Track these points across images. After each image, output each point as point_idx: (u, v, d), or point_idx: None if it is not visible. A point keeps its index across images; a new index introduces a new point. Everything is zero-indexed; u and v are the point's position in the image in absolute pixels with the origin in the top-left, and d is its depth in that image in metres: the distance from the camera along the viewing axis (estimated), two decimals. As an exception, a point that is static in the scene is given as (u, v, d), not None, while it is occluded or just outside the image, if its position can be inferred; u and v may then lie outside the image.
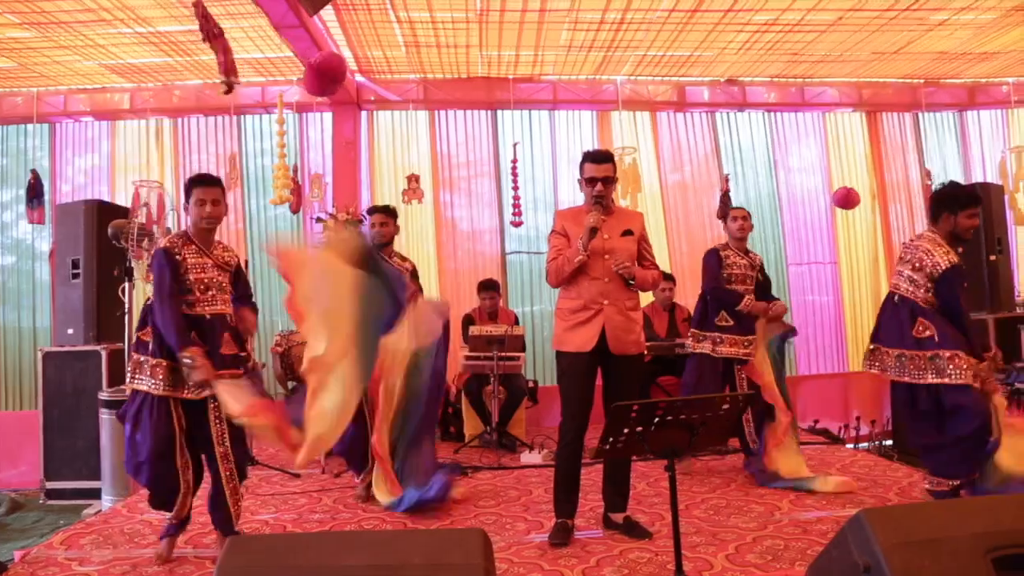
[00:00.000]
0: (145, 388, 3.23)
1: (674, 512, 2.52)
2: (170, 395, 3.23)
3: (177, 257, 3.27)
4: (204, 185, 3.35)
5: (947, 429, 3.59)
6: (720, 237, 7.79)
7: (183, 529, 3.52)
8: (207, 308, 3.31)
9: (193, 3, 4.22)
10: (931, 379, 3.56)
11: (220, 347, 3.26)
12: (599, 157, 3.58)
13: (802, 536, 3.42)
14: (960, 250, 3.74)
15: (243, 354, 3.39)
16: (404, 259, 4.71)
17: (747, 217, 4.85)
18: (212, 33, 4.24)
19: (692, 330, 4.90)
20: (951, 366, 3.51)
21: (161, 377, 3.21)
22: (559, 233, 3.59)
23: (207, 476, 3.45)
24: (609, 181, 3.53)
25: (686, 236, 7.71)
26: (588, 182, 3.53)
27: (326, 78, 5.13)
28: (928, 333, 3.61)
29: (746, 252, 4.86)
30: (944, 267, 3.60)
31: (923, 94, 7.96)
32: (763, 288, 4.86)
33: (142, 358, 3.28)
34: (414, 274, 4.62)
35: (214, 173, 6.56)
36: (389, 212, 4.64)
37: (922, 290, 3.68)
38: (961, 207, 3.66)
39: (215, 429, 3.28)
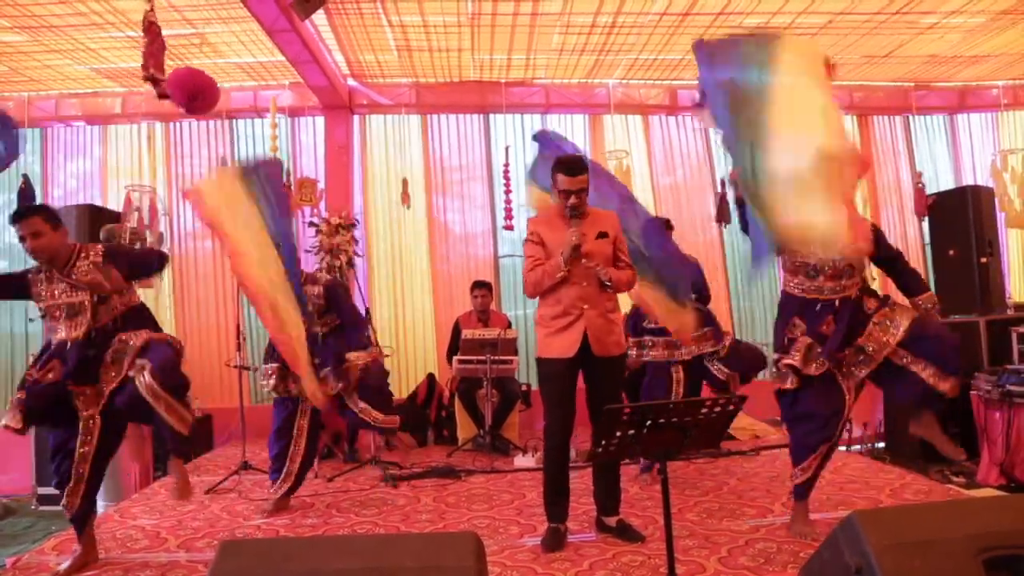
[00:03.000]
0: None
1: (667, 515, 2.52)
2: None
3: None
4: (15, 220, 3.34)
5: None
6: (713, 241, 7.89)
7: (87, 524, 3.45)
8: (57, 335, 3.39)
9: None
10: None
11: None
12: (573, 169, 3.45)
13: (794, 539, 3.43)
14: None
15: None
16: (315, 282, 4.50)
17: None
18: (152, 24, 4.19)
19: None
20: None
21: None
22: (534, 242, 3.54)
23: None
24: (583, 192, 3.46)
25: (678, 239, 7.65)
26: (562, 194, 3.46)
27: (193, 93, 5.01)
28: None
29: None
30: None
31: (914, 97, 8.01)
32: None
33: None
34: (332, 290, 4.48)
35: (205, 177, 6.47)
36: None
37: None
38: None
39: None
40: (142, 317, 3.53)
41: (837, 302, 3.45)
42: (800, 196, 2.91)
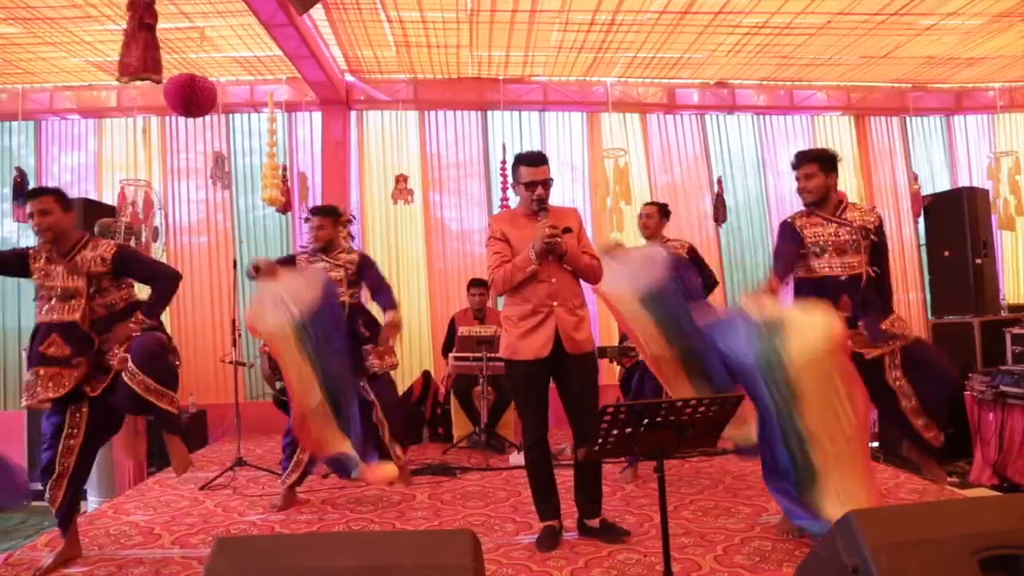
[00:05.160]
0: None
1: (663, 513, 2.52)
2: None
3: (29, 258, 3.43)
4: (30, 198, 3.41)
5: None
6: (710, 239, 7.90)
7: (67, 526, 3.42)
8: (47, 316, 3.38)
9: None
10: None
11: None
12: (535, 160, 3.47)
13: (790, 538, 3.43)
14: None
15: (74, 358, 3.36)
16: (350, 251, 4.66)
17: (650, 215, 4.90)
18: (142, 20, 4.11)
19: None
20: None
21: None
22: (498, 239, 3.51)
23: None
24: (547, 184, 3.47)
25: (675, 237, 7.72)
26: (527, 187, 3.45)
27: (188, 99, 5.04)
28: None
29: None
30: None
31: (911, 98, 8.03)
32: (699, 268, 4.91)
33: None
34: (363, 264, 4.56)
35: (201, 171, 6.53)
36: (326, 213, 4.60)
37: None
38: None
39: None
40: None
41: (845, 278, 3.49)
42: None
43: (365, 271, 4.54)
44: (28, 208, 3.37)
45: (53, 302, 3.38)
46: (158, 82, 4.26)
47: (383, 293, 4.50)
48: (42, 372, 3.34)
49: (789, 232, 3.63)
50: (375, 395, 4.40)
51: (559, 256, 3.39)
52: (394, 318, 4.32)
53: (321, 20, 6.06)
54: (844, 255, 3.50)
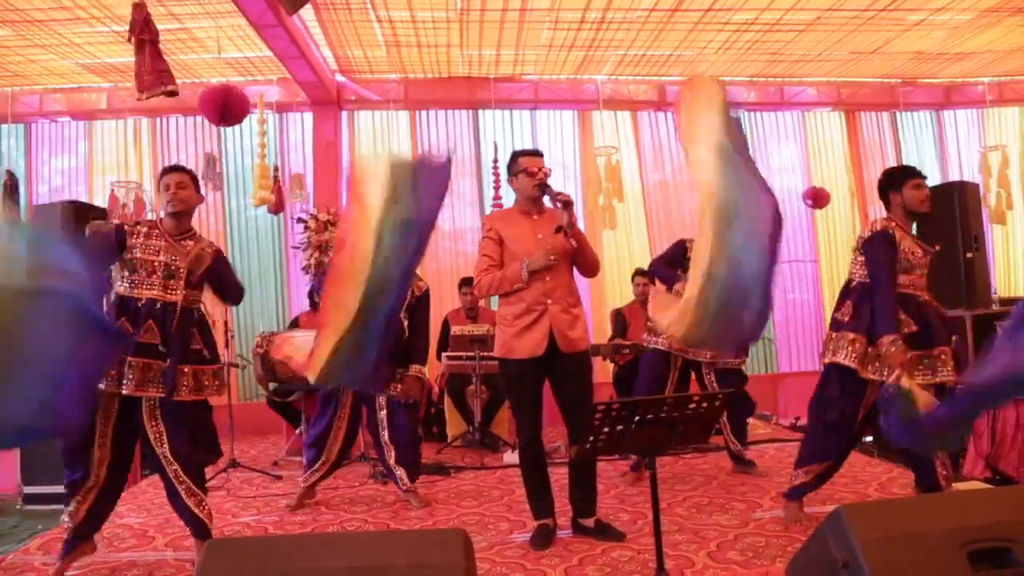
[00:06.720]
0: None
1: (655, 510, 2.52)
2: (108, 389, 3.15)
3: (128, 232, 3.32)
4: (170, 172, 3.41)
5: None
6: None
7: (77, 547, 3.27)
8: (144, 291, 3.24)
9: (134, 3, 4.13)
10: (827, 359, 3.43)
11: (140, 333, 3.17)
12: (532, 152, 3.58)
13: (783, 533, 3.44)
14: (922, 231, 3.65)
15: (163, 348, 3.21)
16: (419, 279, 4.41)
17: None
18: (141, 38, 4.14)
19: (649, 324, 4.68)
20: (847, 348, 3.36)
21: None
22: (491, 239, 3.50)
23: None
24: (547, 172, 3.48)
25: (667, 235, 7.73)
26: (529, 175, 3.44)
27: (225, 108, 5.11)
28: (847, 317, 3.46)
29: None
30: (867, 235, 3.53)
31: (900, 94, 8.06)
32: None
33: None
34: (423, 299, 4.41)
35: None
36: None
37: (858, 266, 3.56)
38: (902, 181, 3.61)
39: (151, 430, 3.20)
40: (206, 327, 3.46)
41: (923, 297, 3.56)
42: None
43: (421, 304, 4.43)
44: (164, 180, 3.36)
45: (154, 278, 3.24)
46: (174, 93, 4.23)
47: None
48: (134, 363, 3.12)
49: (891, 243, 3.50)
50: (387, 417, 4.25)
51: (566, 229, 3.33)
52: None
53: (311, 20, 6.05)
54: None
